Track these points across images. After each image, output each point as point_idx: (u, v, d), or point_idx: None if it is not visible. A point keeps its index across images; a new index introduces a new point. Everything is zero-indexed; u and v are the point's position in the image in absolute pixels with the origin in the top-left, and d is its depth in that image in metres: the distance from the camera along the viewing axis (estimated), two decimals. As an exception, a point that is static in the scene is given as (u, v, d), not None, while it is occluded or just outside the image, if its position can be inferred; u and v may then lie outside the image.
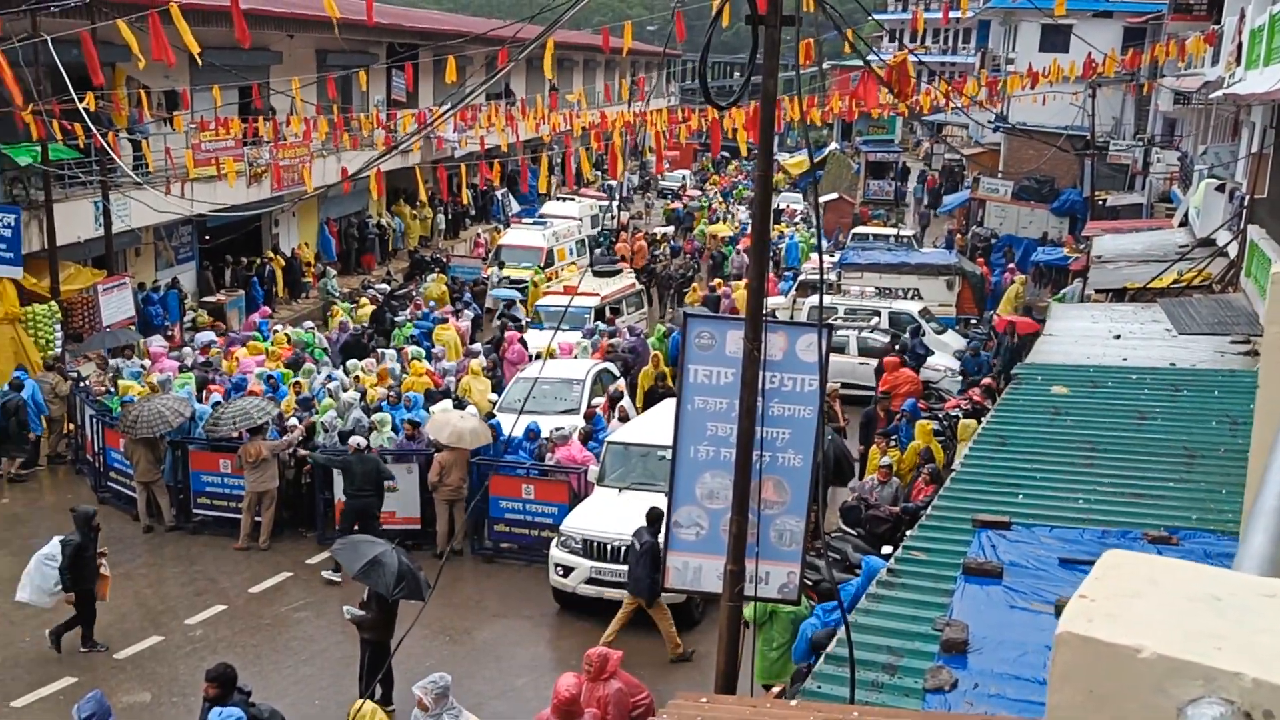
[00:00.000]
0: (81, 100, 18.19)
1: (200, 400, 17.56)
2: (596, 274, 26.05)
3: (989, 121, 40.17)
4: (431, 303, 26.23)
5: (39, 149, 19.60)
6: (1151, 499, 9.17)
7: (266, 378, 18.72)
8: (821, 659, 7.38)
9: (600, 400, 17.96)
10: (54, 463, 18.44)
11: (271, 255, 29.34)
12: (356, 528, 14.14)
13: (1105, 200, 34.71)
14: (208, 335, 22.74)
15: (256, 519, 15.55)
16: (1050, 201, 37.20)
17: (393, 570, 10.85)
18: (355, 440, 14.84)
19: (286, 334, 22.57)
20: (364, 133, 30.31)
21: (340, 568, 14.27)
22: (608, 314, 24.65)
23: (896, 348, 21.20)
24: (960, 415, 16.75)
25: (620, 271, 27.64)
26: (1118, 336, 15.36)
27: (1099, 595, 1.69)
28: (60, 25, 18.02)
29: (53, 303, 20.35)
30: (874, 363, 20.86)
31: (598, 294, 24.73)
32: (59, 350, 20.16)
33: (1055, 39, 38.41)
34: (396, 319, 24.44)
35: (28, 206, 20.23)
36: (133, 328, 22.26)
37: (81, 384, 18.81)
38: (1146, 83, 33.62)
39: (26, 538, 15.84)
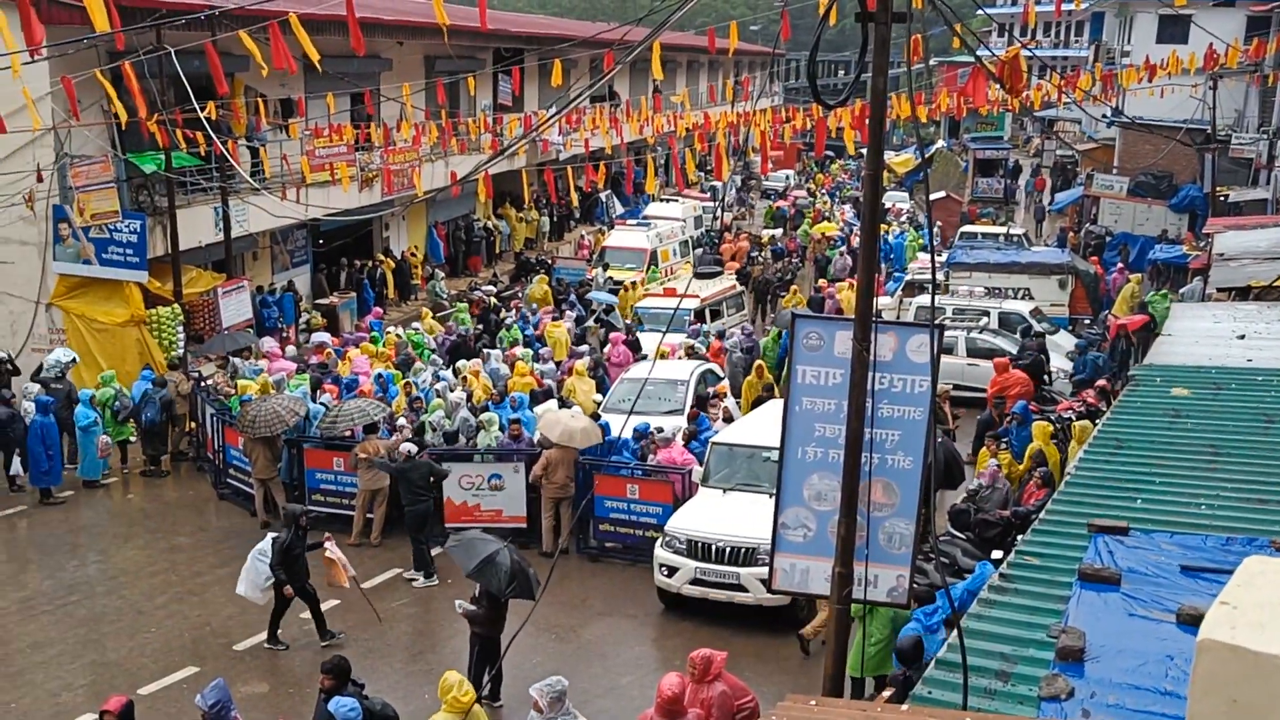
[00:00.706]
0: (203, 110, 18.81)
1: (314, 400, 18.02)
2: (697, 275, 26.03)
3: (1104, 116, 39.06)
4: (533, 305, 26.45)
5: (163, 157, 20.30)
6: (1279, 505, 8.84)
7: (378, 377, 19.14)
8: (933, 664, 7.27)
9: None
10: (177, 460, 19.10)
11: (382, 258, 29.97)
12: (420, 536, 14.71)
13: (1227, 196, 33.48)
14: (322, 336, 23.28)
15: (369, 515, 15.92)
16: (1168, 198, 36.02)
17: (505, 569, 11.02)
18: (406, 447, 15.03)
19: (395, 334, 23.05)
20: (471, 137, 30.78)
21: (430, 572, 14.66)
22: (707, 316, 24.60)
23: (1029, 350, 20.64)
24: (1073, 417, 16.35)
25: (720, 273, 27.55)
26: (1242, 336, 14.81)
27: (1242, 602, 1.64)
28: (183, 38, 18.66)
29: (175, 305, 21.06)
30: (984, 364, 20.47)
31: (698, 295, 24.71)
32: (181, 351, 20.86)
33: (1173, 30, 37.23)
34: (505, 321, 24.73)
35: (152, 213, 20.98)
36: (250, 330, 22.95)
37: (203, 383, 19.46)
38: (1272, 73, 32.31)
39: (153, 531, 16.50)
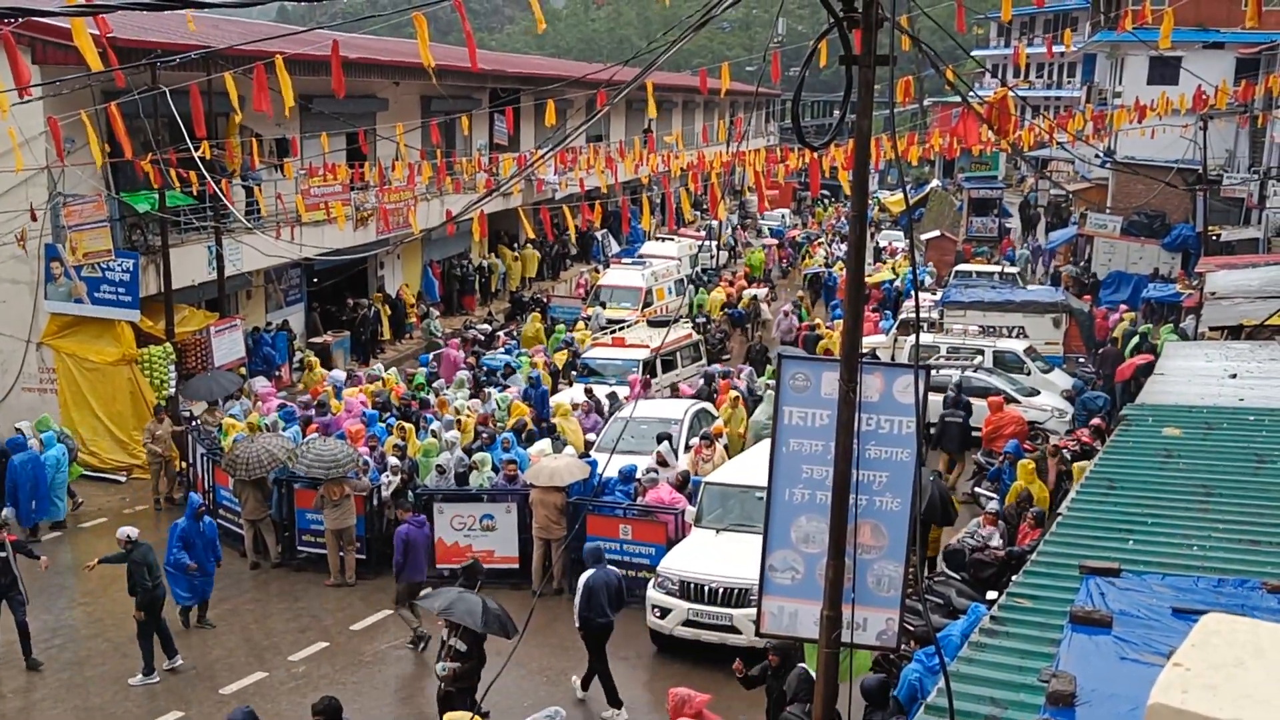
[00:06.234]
0: (197, 149, 18.86)
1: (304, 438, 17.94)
2: (651, 324, 25.64)
3: (1096, 156, 39.29)
4: (513, 342, 26.23)
5: (157, 196, 20.34)
6: (1271, 546, 8.77)
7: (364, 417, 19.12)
8: (922, 708, 7.18)
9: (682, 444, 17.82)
10: (166, 502, 18.98)
11: (378, 297, 29.96)
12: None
13: (1219, 235, 33.62)
14: (338, 374, 23.08)
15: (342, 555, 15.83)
16: (1161, 237, 36.16)
17: (480, 606, 10.83)
18: (126, 531, 13.43)
19: (387, 375, 23.00)
20: (466, 176, 30.86)
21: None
22: (659, 367, 23.53)
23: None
24: (1068, 455, 16.30)
25: (676, 321, 27.03)
26: (1234, 376, 14.78)
27: (1196, 664, 1.59)
28: (178, 77, 18.72)
29: (168, 344, 21.00)
30: (978, 403, 20.41)
31: (647, 345, 23.64)
32: (172, 391, 20.78)
33: (1164, 71, 37.45)
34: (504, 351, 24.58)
35: (145, 251, 20.96)
36: (243, 369, 22.88)
37: (194, 422, 19.37)
38: (1261, 114, 32.57)
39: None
